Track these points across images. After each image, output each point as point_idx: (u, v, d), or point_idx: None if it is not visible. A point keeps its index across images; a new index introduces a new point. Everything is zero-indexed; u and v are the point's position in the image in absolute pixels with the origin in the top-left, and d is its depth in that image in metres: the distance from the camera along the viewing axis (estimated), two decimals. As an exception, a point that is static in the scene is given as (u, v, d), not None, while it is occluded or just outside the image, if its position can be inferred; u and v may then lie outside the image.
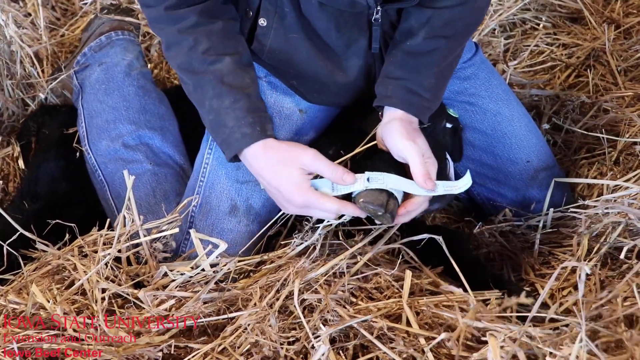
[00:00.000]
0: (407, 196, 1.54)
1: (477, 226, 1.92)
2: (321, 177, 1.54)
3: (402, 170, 1.55)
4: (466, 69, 1.93)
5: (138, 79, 2.08)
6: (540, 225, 1.86)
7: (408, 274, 1.51)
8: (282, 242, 1.78)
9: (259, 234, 1.75)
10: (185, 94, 1.67)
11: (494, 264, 1.84)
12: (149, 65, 2.30)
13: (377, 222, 1.59)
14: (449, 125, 1.77)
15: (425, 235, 1.60)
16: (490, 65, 2.00)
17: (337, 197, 1.52)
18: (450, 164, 1.74)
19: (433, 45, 1.63)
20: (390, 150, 1.57)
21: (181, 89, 1.69)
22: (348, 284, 1.52)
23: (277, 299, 1.50)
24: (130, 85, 2.06)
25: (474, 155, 1.97)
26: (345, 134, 1.69)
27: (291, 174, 1.49)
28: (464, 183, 1.55)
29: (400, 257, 1.63)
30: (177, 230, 1.67)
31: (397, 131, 1.54)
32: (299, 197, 1.50)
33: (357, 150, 1.62)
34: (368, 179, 1.49)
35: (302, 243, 1.65)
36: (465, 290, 1.53)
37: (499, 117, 1.93)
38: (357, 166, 1.59)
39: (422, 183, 1.48)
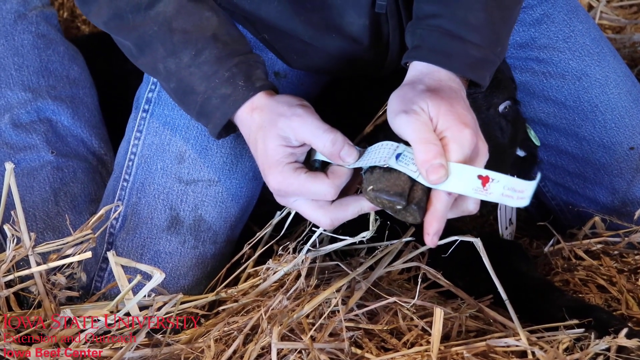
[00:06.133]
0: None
1: (550, 243, 1.74)
2: None
3: None
4: (534, 9, 1.74)
5: (37, 24, 1.89)
6: (650, 241, 1.70)
7: (438, 313, 1.38)
8: (250, 271, 1.63)
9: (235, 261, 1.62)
10: (105, 46, 1.59)
11: (575, 297, 1.66)
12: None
13: (401, 219, 1.36)
14: (521, 154, 1.65)
15: (455, 238, 1.44)
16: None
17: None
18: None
19: None
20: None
21: (98, 37, 1.63)
22: (351, 328, 1.43)
23: (241, 358, 1.39)
24: (26, 33, 1.87)
25: (548, 139, 1.80)
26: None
27: (265, 143, 1.35)
28: (528, 189, 1.27)
29: (420, 279, 1.52)
30: (89, 254, 1.51)
31: (391, 107, 1.30)
32: (272, 179, 1.35)
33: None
34: (397, 157, 1.28)
35: (278, 270, 1.54)
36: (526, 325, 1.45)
37: (585, 80, 1.76)
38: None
39: (425, 173, 1.25)
